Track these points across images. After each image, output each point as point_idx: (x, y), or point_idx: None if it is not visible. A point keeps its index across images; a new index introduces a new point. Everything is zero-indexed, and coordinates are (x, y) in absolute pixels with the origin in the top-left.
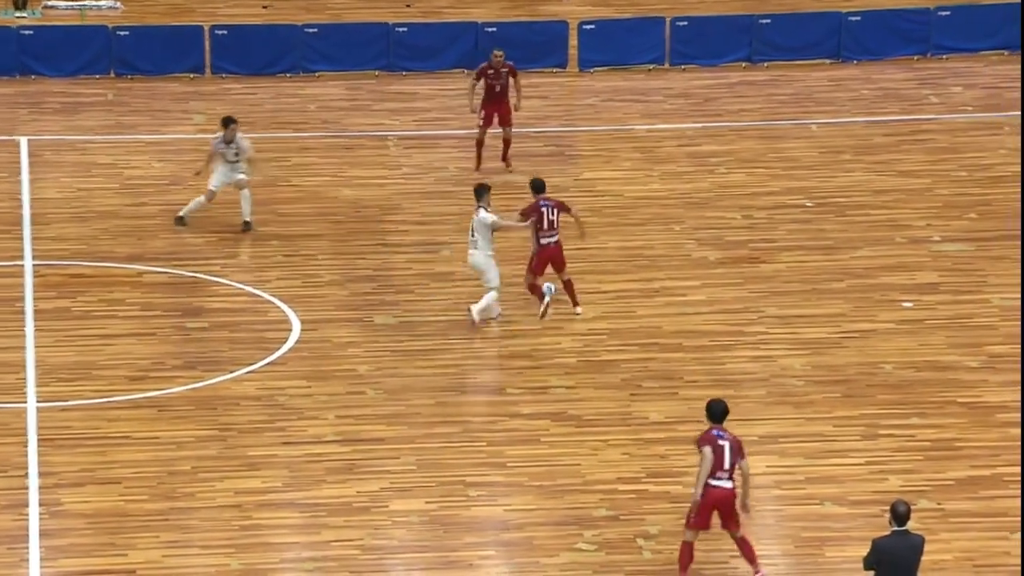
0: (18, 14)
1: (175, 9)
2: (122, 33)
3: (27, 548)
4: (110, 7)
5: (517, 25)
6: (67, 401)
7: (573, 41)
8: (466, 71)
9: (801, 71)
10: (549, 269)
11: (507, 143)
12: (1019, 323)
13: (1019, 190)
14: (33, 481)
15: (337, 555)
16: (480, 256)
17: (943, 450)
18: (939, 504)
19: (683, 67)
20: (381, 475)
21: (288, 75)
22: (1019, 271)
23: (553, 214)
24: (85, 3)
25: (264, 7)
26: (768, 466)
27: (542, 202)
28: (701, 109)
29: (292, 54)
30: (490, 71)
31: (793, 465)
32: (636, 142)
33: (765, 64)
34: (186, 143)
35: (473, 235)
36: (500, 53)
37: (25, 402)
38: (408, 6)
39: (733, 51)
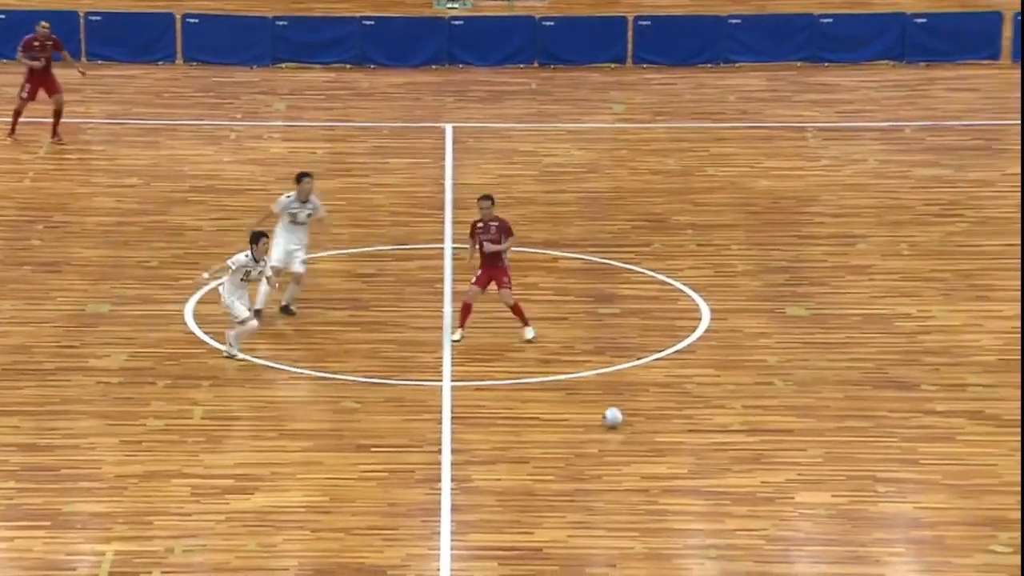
0: (450, 5)
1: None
2: (547, 24)
3: (439, 521)
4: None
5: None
6: (481, 381)
7: None
8: None
9: None
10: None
11: (57, 114)
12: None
13: None
14: (446, 457)
15: (742, 544)
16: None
17: None
18: None
19: None
20: (788, 467)
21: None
22: None
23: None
24: None
25: None
26: None
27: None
28: None
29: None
30: (35, 44)
31: None
32: None
33: None
34: (605, 132)
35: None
36: (46, 24)
37: (441, 380)
38: None
39: None
